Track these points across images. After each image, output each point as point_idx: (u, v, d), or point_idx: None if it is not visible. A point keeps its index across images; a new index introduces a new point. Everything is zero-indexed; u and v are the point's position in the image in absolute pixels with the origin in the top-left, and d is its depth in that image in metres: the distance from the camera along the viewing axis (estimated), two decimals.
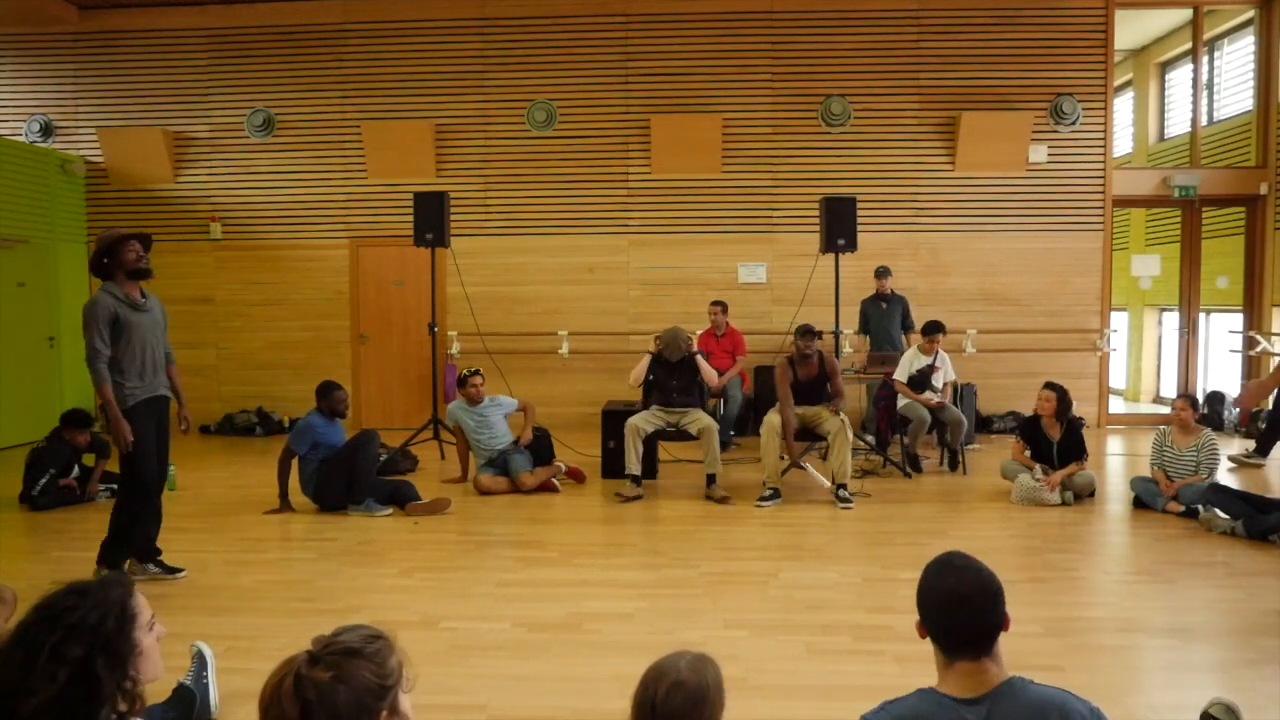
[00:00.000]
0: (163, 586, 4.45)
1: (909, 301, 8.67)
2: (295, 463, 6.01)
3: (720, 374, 8.23)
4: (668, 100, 9.58)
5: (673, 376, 6.63)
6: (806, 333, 6.41)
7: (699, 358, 6.72)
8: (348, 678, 1.38)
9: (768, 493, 6.16)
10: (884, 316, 8.53)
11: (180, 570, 4.64)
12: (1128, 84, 12.06)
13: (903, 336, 8.52)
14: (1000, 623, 1.73)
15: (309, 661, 1.39)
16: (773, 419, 6.30)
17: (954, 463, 7.27)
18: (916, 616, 1.83)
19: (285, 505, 5.98)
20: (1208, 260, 9.81)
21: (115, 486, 5.46)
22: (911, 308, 8.64)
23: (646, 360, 6.75)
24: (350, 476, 5.88)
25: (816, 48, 9.51)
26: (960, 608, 1.73)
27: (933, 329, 7.25)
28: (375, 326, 9.84)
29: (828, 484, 6.24)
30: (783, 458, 6.32)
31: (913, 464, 7.12)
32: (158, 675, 1.87)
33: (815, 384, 6.43)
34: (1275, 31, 9.34)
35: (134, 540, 4.51)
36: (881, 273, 8.54)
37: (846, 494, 6.08)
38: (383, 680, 1.41)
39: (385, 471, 6.77)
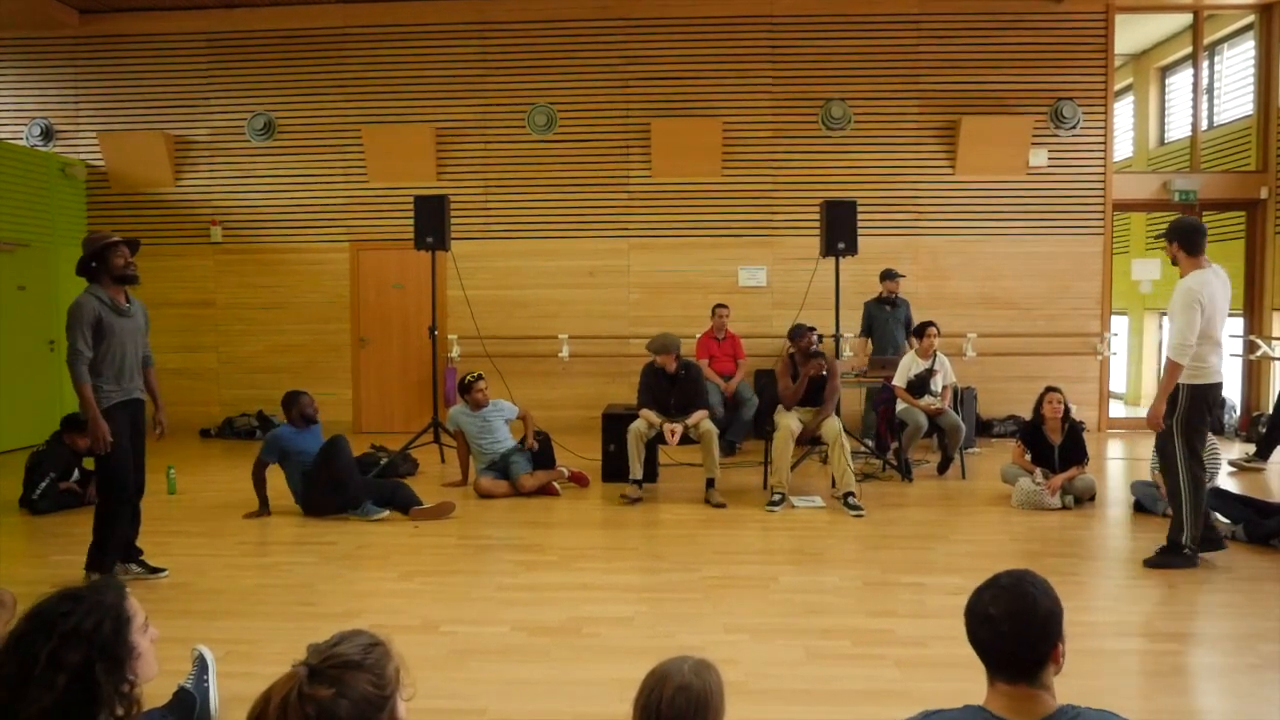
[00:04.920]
0: (163, 590, 4.45)
1: (910, 306, 8.66)
2: (283, 474, 6.05)
3: (727, 379, 8.26)
4: (668, 104, 9.59)
5: (670, 394, 6.55)
6: (799, 333, 6.47)
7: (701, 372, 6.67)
8: (348, 691, 1.37)
9: (776, 497, 6.16)
10: (888, 320, 8.50)
11: (163, 570, 4.66)
12: (1128, 88, 12.08)
13: (905, 341, 8.50)
14: (1034, 656, 1.66)
15: (309, 677, 1.38)
16: (785, 422, 6.30)
17: (943, 467, 7.26)
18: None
19: (264, 509, 5.99)
20: None
21: None
22: (913, 312, 8.63)
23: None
24: (333, 487, 5.87)
25: (816, 52, 9.52)
26: (983, 626, 1.70)
27: (921, 328, 7.28)
28: (375, 330, 9.84)
29: (820, 503, 6.24)
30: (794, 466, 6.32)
31: (905, 470, 7.11)
32: (154, 675, 1.87)
33: (816, 384, 6.43)
34: (1275, 36, 9.35)
35: (118, 542, 4.52)
36: (889, 275, 8.52)
37: (855, 501, 6.04)
38: (382, 691, 1.41)
39: (385, 475, 6.78)
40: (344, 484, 5.85)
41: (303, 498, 5.98)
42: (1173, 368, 4.57)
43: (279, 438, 6.02)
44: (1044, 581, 1.74)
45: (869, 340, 8.57)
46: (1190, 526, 4.64)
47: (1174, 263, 4.73)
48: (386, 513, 5.89)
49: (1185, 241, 4.62)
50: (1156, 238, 5.21)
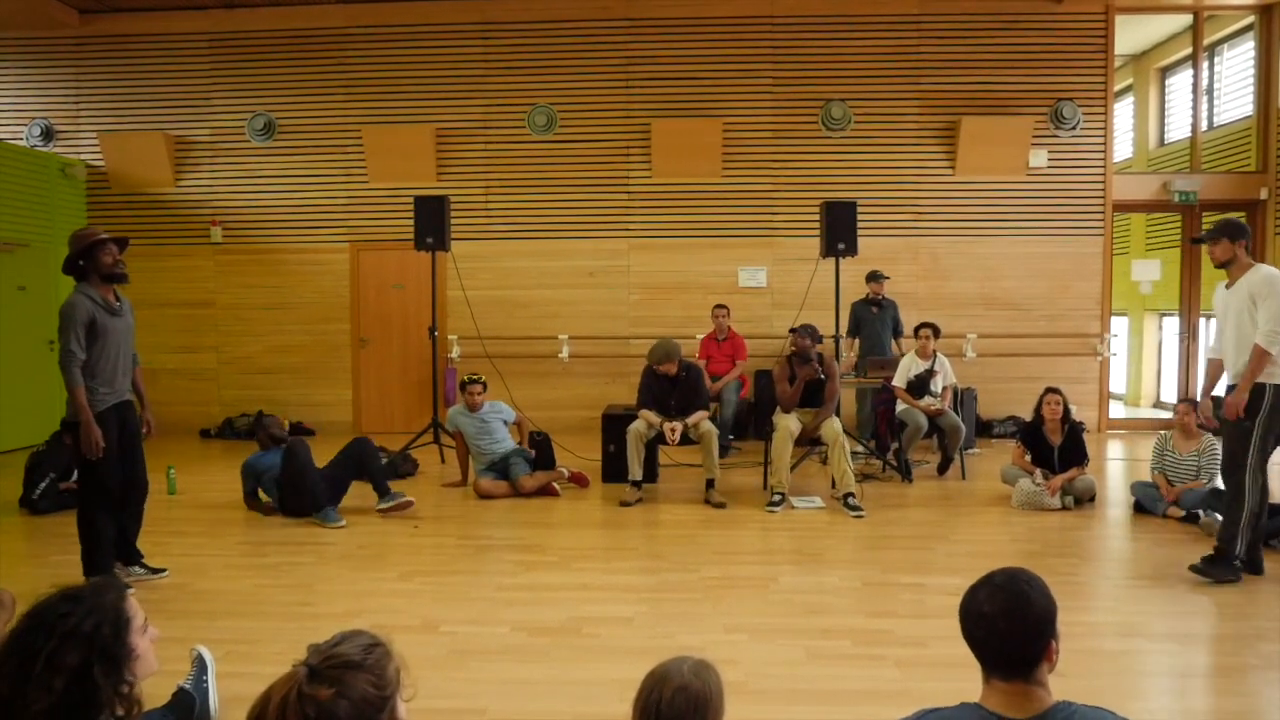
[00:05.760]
0: (162, 591, 4.45)
1: (899, 307, 8.66)
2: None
3: (716, 379, 8.26)
4: (668, 104, 9.59)
5: (670, 395, 6.54)
6: (806, 332, 6.44)
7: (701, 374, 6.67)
8: (348, 692, 1.37)
9: (776, 498, 6.16)
10: (875, 321, 8.50)
11: (163, 570, 4.65)
12: (1128, 89, 12.07)
13: (892, 342, 8.52)
14: (1029, 653, 1.66)
15: (309, 677, 1.37)
16: (784, 423, 6.29)
17: (943, 467, 7.26)
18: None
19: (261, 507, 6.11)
20: (1207, 265, 9.78)
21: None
22: (901, 312, 8.62)
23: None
24: (296, 489, 5.88)
25: (817, 52, 9.52)
26: (979, 625, 1.70)
27: (916, 329, 7.30)
28: (375, 330, 9.84)
29: (820, 503, 6.24)
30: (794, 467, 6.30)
31: (905, 471, 7.11)
32: (153, 672, 1.87)
33: (815, 385, 6.43)
34: (1275, 36, 9.35)
35: (109, 543, 4.43)
36: (875, 277, 8.52)
37: (855, 501, 6.04)
38: (382, 691, 1.41)
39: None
40: (306, 491, 5.84)
41: (278, 502, 6.05)
42: (1261, 356, 4.35)
43: (250, 466, 6.13)
44: (1038, 579, 1.74)
45: (856, 341, 8.56)
46: (1244, 536, 4.43)
47: (1222, 264, 4.60)
48: (344, 522, 5.76)
49: (1248, 239, 4.58)
50: (1195, 241, 5.11)
